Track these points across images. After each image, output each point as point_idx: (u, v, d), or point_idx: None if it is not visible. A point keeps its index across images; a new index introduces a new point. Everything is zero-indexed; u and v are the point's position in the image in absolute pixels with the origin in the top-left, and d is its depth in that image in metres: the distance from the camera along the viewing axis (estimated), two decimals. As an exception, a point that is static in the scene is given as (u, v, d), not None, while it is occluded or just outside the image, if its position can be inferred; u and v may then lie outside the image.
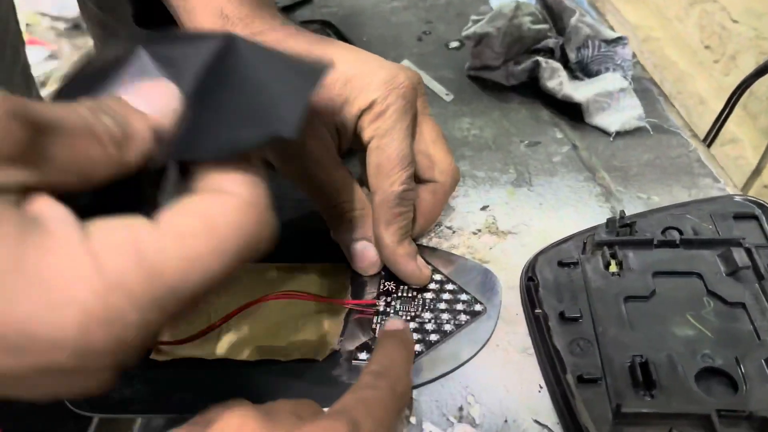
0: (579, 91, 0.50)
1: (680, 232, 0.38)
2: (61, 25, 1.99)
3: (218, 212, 0.19)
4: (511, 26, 0.52)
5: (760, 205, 0.39)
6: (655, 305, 0.34)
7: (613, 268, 0.36)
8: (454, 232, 0.41)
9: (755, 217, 0.39)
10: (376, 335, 0.34)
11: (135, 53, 0.22)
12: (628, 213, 0.39)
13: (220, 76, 0.22)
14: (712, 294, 0.34)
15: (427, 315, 0.35)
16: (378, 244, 0.36)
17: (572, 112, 0.51)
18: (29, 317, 0.16)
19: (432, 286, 0.37)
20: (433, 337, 0.34)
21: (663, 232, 0.38)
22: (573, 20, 0.52)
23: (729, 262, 0.35)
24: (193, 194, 0.20)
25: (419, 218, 0.38)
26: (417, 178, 0.37)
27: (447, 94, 0.55)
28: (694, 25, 0.91)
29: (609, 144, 0.49)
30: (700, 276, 0.35)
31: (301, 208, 0.40)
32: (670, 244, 0.37)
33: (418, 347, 0.34)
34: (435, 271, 0.38)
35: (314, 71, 0.24)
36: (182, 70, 0.21)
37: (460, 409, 0.32)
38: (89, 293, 0.16)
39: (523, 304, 0.36)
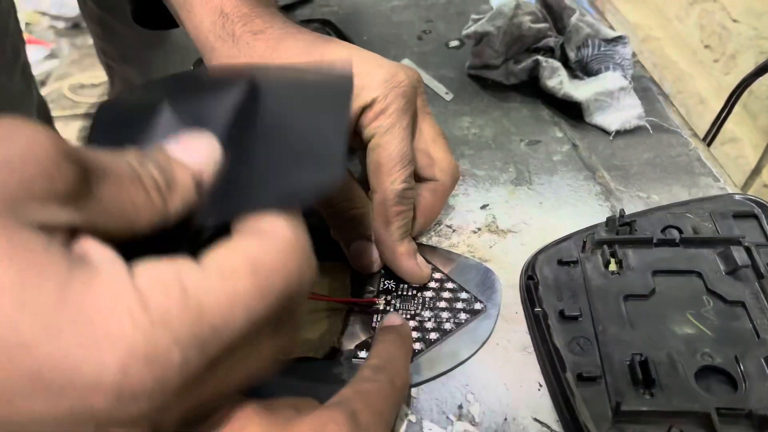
0: (579, 90, 0.50)
1: (680, 231, 0.38)
2: (61, 24, 1.99)
3: (261, 252, 0.19)
4: (512, 25, 0.52)
5: (760, 204, 0.39)
6: (655, 304, 0.34)
7: (613, 266, 0.36)
8: (454, 230, 0.41)
9: (755, 216, 0.39)
10: (376, 331, 0.34)
11: (159, 109, 0.22)
12: (627, 212, 0.39)
13: (251, 126, 0.22)
14: (711, 293, 0.34)
15: (427, 313, 0.35)
16: (378, 242, 0.36)
17: (572, 111, 0.51)
18: (69, 353, 0.15)
19: (432, 284, 0.37)
20: (433, 336, 0.34)
21: (663, 230, 0.38)
22: (573, 19, 0.52)
23: (729, 261, 0.35)
24: (234, 236, 0.20)
25: (419, 217, 0.38)
26: (417, 177, 0.37)
27: (447, 93, 0.55)
28: (694, 24, 0.91)
29: (609, 143, 0.49)
30: (699, 275, 0.35)
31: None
32: (669, 242, 0.37)
33: (417, 345, 0.34)
34: (435, 269, 0.38)
35: (341, 89, 0.24)
36: (209, 123, 0.22)
37: (460, 407, 0.32)
38: (133, 329, 0.16)
39: (522, 303, 0.36)
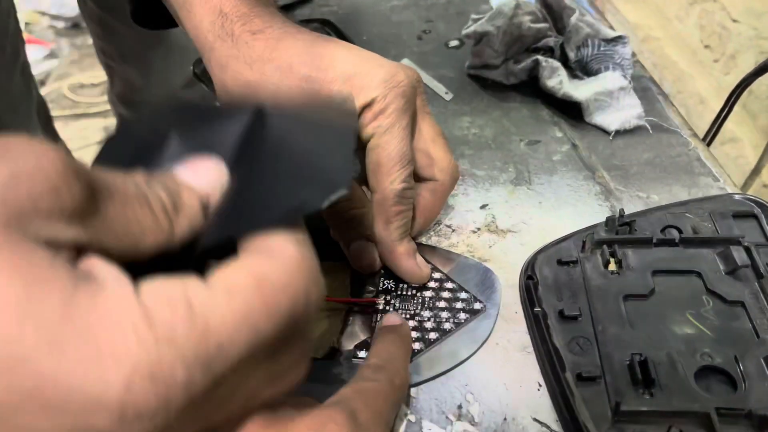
0: (579, 90, 0.50)
1: (680, 231, 0.38)
2: (61, 24, 1.99)
3: (268, 270, 0.19)
4: (511, 25, 0.52)
5: (760, 204, 0.39)
6: (655, 304, 0.34)
7: (613, 266, 0.36)
8: (453, 230, 0.41)
9: (754, 216, 0.39)
10: (375, 331, 0.34)
11: (167, 139, 0.23)
12: (627, 212, 0.39)
13: (257, 149, 0.22)
14: (711, 292, 0.34)
15: (427, 313, 0.35)
16: (377, 242, 0.36)
17: (572, 111, 0.51)
18: (72, 369, 0.15)
19: (431, 284, 0.37)
20: (433, 336, 0.34)
21: (662, 230, 0.38)
22: (573, 19, 0.52)
23: (728, 261, 0.35)
24: (241, 255, 0.20)
25: (419, 216, 0.38)
26: (416, 177, 0.37)
27: (447, 93, 0.55)
28: (694, 24, 0.91)
29: (609, 143, 0.49)
30: (699, 275, 0.35)
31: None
32: (669, 242, 0.37)
33: (417, 345, 0.34)
34: (434, 269, 0.38)
35: (346, 113, 0.24)
36: (216, 149, 0.22)
37: (460, 407, 0.32)
38: (138, 345, 0.16)
39: (522, 303, 0.36)
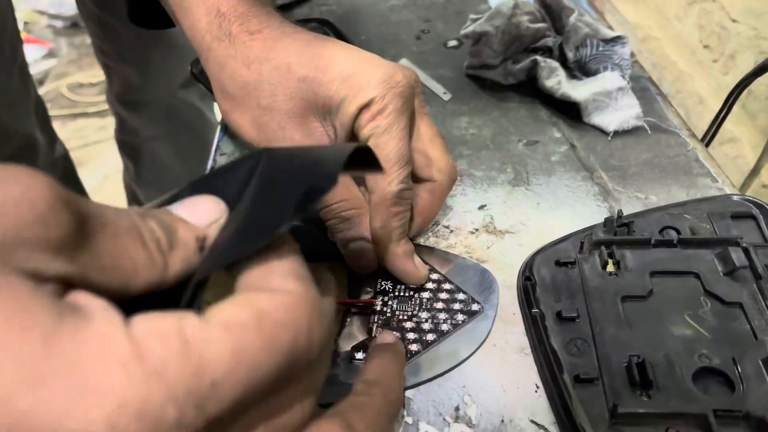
0: (577, 90, 0.50)
1: (678, 232, 0.38)
2: (59, 23, 1.99)
3: (268, 306, 0.18)
4: (510, 25, 0.52)
5: (758, 205, 0.39)
6: (653, 305, 0.34)
7: (611, 267, 0.36)
8: (451, 231, 0.41)
9: (753, 217, 0.39)
10: (370, 345, 0.34)
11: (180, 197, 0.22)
12: (625, 212, 0.39)
13: (251, 184, 0.22)
14: (709, 294, 0.34)
15: (424, 314, 0.35)
16: (375, 243, 0.36)
17: (570, 112, 0.51)
18: (52, 406, 0.14)
19: (429, 285, 0.37)
20: (430, 337, 0.34)
21: (660, 231, 0.38)
22: (572, 19, 0.52)
23: (726, 262, 0.35)
24: (239, 290, 0.19)
25: (417, 217, 0.38)
26: (414, 177, 0.37)
27: (445, 93, 0.55)
28: (693, 24, 0.91)
29: (607, 143, 0.49)
30: (697, 276, 0.35)
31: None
32: (667, 243, 0.37)
33: (414, 347, 0.34)
34: (432, 270, 0.38)
35: (343, 148, 0.24)
36: (217, 192, 0.22)
37: (457, 409, 0.31)
38: (125, 380, 0.15)
39: (520, 304, 0.36)
